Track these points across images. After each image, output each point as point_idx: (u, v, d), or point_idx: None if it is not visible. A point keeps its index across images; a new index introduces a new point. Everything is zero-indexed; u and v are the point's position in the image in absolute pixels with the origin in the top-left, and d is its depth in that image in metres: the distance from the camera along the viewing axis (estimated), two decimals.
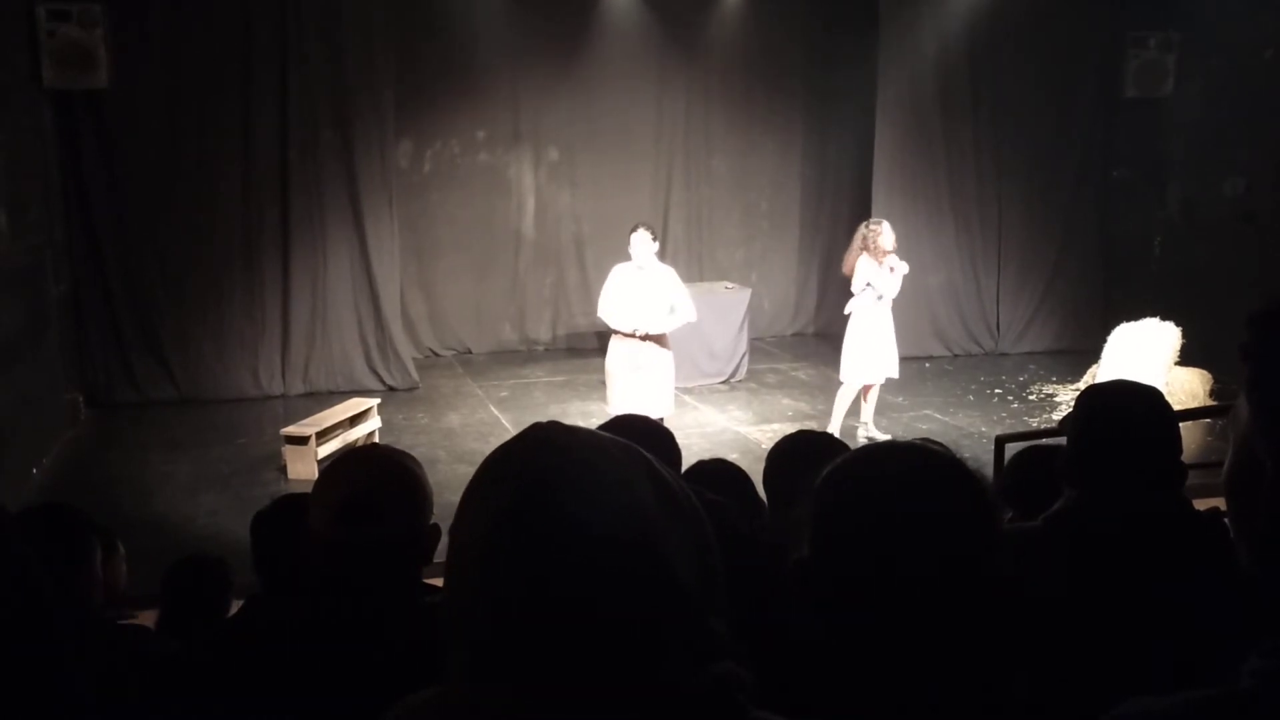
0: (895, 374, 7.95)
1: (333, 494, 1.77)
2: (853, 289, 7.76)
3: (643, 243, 6.98)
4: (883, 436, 7.71)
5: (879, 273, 7.61)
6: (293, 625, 1.72)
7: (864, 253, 7.63)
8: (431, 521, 1.84)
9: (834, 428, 7.69)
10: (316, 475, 1.99)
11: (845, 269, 7.82)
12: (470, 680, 0.87)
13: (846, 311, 7.86)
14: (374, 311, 9.76)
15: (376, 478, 1.79)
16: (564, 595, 0.83)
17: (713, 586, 0.90)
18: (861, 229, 7.78)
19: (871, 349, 7.70)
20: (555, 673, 0.83)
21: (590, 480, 0.87)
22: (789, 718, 0.93)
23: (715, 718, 0.86)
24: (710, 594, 0.89)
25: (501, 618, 0.84)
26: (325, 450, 7.14)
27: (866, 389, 7.97)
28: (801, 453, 2.69)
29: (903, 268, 7.69)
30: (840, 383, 7.96)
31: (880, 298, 7.65)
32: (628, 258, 7.07)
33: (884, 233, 7.63)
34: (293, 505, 2.38)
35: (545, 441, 0.91)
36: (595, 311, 11.25)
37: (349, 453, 1.99)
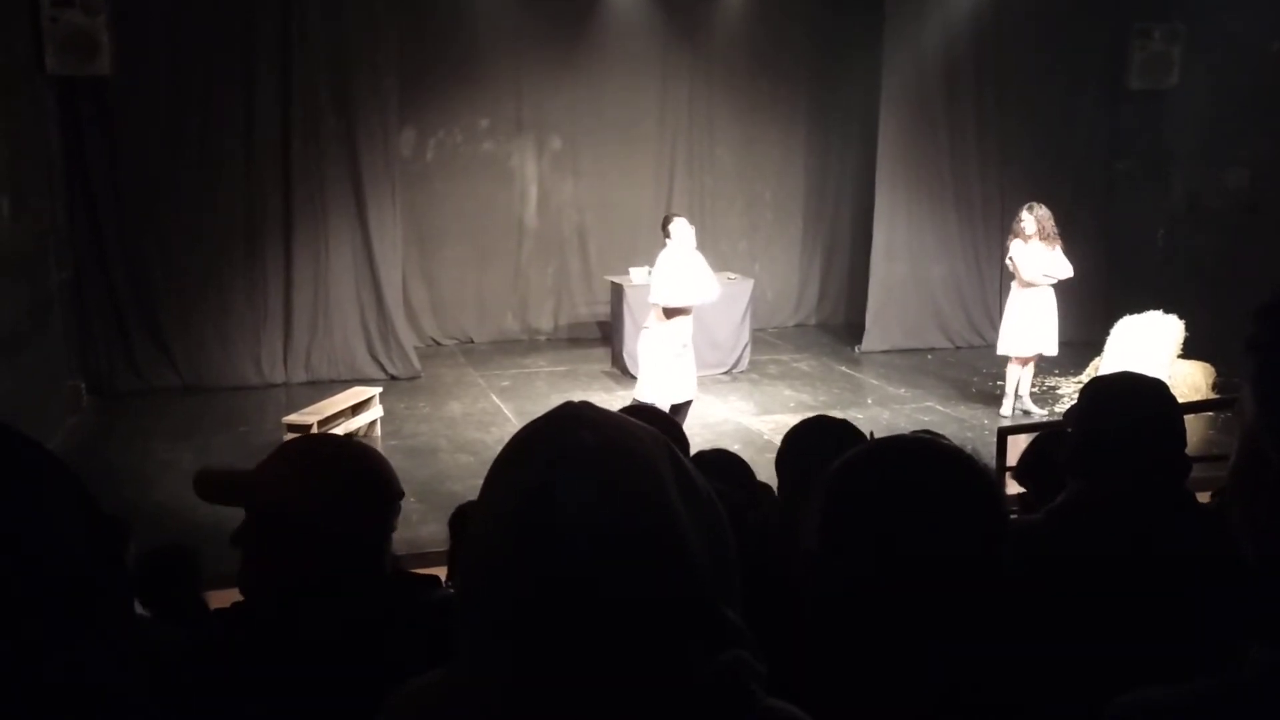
0: (1054, 351, 8.49)
1: (270, 503, 1.66)
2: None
3: (689, 227, 7.33)
4: (1038, 410, 8.47)
5: (1027, 254, 8.25)
6: (291, 621, 1.71)
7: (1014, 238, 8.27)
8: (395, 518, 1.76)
9: (1025, 403, 8.57)
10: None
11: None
12: (476, 663, 0.87)
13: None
14: (376, 300, 9.76)
15: (302, 493, 1.66)
16: (586, 579, 0.82)
17: (727, 575, 0.90)
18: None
19: (1026, 325, 8.31)
20: (568, 658, 0.82)
21: (618, 464, 0.86)
22: (797, 705, 0.93)
23: (727, 706, 0.85)
24: (724, 582, 0.89)
25: (520, 598, 0.83)
26: None
27: (1025, 362, 8.50)
28: (816, 439, 2.68)
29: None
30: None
31: (1047, 278, 8.36)
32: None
33: (1023, 219, 8.29)
34: None
35: (575, 423, 0.89)
36: (597, 301, 11.34)
37: (279, 459, 1.74)
